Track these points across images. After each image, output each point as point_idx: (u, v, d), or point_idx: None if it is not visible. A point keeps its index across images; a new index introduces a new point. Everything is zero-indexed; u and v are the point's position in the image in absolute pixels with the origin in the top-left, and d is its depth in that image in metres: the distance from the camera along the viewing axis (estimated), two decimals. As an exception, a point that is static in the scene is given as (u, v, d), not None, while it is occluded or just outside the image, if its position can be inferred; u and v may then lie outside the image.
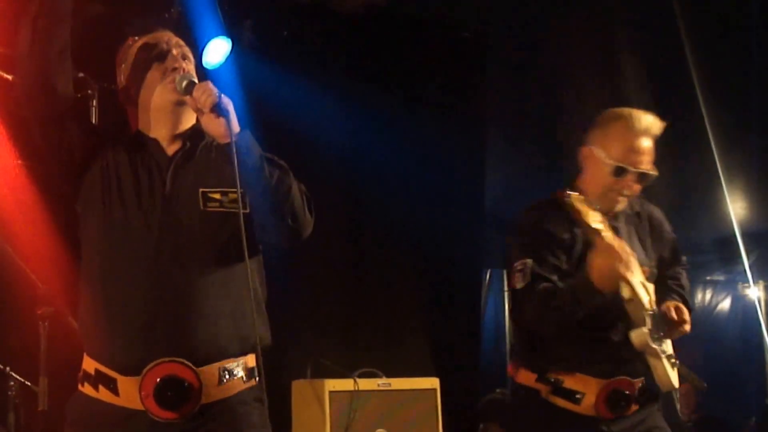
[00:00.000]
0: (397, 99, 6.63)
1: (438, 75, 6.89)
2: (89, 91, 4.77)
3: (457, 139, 6.88)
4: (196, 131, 2.91)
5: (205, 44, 5.73)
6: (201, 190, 2.80)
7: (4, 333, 4.76)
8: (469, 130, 7.03)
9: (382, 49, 6.61)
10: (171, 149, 2.89)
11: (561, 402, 3.61)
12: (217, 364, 2.71)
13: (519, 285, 3.54)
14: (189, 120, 2.93)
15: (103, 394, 2.70)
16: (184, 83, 2.83)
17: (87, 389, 2.75)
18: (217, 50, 5.76)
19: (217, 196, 2.79)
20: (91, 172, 2.83)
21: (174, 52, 2.93)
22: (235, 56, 5.82)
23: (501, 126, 7.34)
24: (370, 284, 6.54)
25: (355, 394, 5.31)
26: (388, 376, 5.52)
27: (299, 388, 5.42)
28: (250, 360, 2.82)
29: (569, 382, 3.59)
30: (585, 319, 3.48)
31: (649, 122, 3.60)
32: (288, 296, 5.97)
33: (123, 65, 2.98)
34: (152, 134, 2.90)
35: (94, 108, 4.77)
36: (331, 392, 5.27)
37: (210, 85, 2.77)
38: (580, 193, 3.56)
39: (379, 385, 5.43)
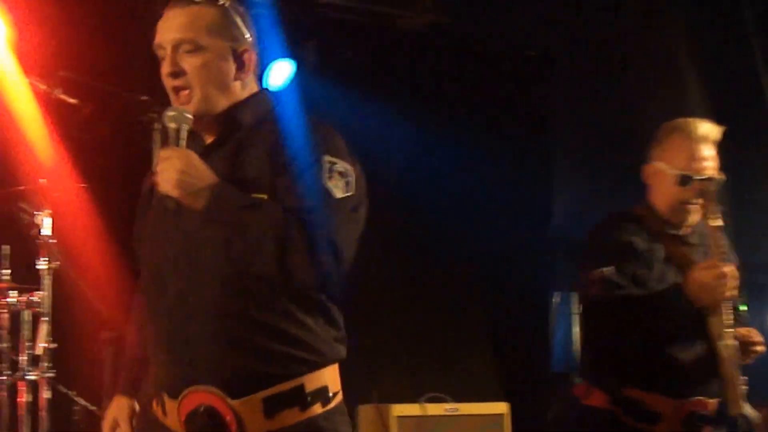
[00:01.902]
0: (461, 119, 6.58)
1: (503, 94, 6.83)
2: (153, 115, 4.74)
3: (522, 158, 6.82)
4: (230, 117, 2.51)
5: (269, 66, 5.75)
6: None
7: (69, 358, 4.76)
8: (535, 150, 6.96)
9: (446, 68, 6.57)
10: (209, 137, 2.54)
11: (636, 424, 3.51)
12: (259, 395, 2.37)
13: (597, 294, 3.47)
14: (224, 100, 2.51)
15: (159, 413, 2.52)
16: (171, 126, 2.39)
17: (154, 406, 2.56)
18: (281, 72, 5.78)
19: None
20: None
21: (169, 49, 2.45)
22: (299, 77, 5.83)
23: (567, 145, 7.25)
24: (436, 307, 6.47)
25: (422, 419, 5.24)
26: (456, 400, 5.43)
27: (365, 413, 5.35)
28: (311, 382, 2.41)
29: (645, 403, 3.49)
30: (659, 334, 3.43)
31: (707, 129, 3.57)
32: (352, 319, 5.91)
33: None
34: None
35: (156, 132, 4.74)
36: (397, 417, 5.20)
37: None
38: (652, 210, 3.59)
39: (446, 410, 5.35)
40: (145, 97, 4.79)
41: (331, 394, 2.43)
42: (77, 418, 4.67)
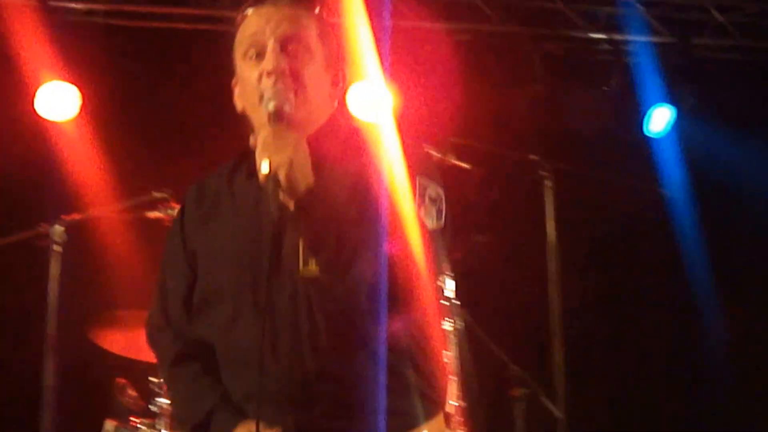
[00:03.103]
0: None
1: None
2: (543, 173, 4.83)
3: None
4: (318, 145, 2.12)
5: (649, 112, 5.72)
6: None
7: (477, 415, 4.87)
8: None
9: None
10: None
11: None
12: None
13: None
14: (322, 116, 2.21)
15: None
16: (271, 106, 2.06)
17: None
18: (661, 118, 5.73)
19: None
20: None
21: (272, 44, 2.11)
22: (678, 122, 5.74)
23: None
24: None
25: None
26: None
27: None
28: (431, 429, 2.15)
29: None
30: None
31: None
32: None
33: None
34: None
35: (550, 189, 4.81)
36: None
37: None
38: None
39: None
40: (534, 156, 4.88)
41: None
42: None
